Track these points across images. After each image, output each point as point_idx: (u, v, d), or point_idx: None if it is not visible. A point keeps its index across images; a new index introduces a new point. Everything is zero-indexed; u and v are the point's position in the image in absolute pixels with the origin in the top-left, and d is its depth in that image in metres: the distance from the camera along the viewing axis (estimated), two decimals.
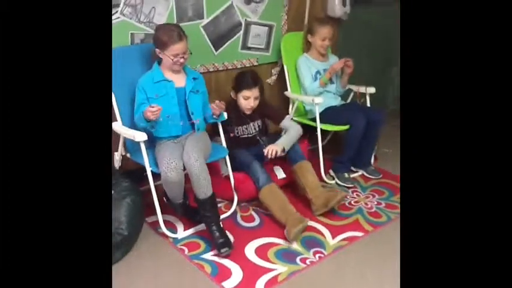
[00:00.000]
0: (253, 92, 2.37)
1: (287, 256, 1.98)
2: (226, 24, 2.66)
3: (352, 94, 3.00)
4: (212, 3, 2.55)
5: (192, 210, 2.19)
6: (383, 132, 2.83)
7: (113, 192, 1.99)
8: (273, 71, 3.02)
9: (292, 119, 2.81)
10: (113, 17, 2.19)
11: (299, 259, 1.96)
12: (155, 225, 2.15)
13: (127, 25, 2.26)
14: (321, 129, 2.68)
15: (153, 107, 1.89)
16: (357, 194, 2.58)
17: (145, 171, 2.02)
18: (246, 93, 2.37)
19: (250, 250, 2.02)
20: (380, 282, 1.82)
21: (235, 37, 2.72)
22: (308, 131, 2.78)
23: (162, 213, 2.09)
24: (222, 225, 2.04)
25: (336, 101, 2.85)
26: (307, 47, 2.89)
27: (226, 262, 1.93)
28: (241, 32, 2.74)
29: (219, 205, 2.26)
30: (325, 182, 2.67)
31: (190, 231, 2.16)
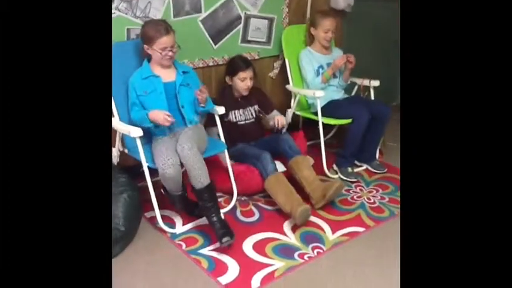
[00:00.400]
0: (248, 73, 2.46)
1: (285, 251, 1.95)
2: (225, 17, 2.63)
3: (356, 87, 2.94)
4: None
5: (192, 203, 2.16)
6: (389, 126, 2.76)
7: None
8: (275, 64, 2.98)
9: (294, 112, 2.79)
10: None
11: (297, 254, 1.93)
12: (154, 220, 2.14)
13: (123, 20, 2.25)
14: (325, 123, 2.64)
15: (169, 116, 1.95)
16: (360, 189, 2.53)
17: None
18: (241, 74, 2.44)
19: (248, 245, 1.99)
20: (379, 278, 1.78)
21: (234, 30, 2.70)
22: (311, 125, 2.75)
23: (161, 208, 2.09)
24: (223, 216, 2.02)
25: (339, 95, 2.81)
26: (310, 40, 2.85)
27: (223, 257, 1.91)
28: (241, 25, 2.71)
29: (218, 200, 2.23)
30: (328, 176, 2.63)
31: (189, 225, 2.15)
